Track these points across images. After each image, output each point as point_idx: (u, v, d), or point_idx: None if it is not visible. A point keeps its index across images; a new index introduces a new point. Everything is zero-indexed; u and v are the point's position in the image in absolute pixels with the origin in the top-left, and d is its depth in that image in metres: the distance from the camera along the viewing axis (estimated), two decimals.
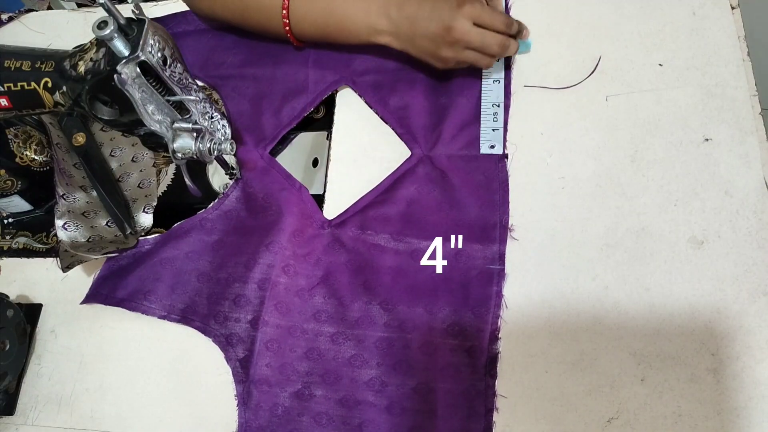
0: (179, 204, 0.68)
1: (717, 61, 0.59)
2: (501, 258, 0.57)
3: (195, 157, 0.54)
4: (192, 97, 0.53)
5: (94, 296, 0.64)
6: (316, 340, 0.58)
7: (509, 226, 0.58)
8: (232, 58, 0.73)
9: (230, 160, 0.66)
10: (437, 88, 0.65)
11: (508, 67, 0.64)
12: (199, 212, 0.66)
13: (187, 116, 0.55)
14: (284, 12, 0.61)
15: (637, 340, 0.52)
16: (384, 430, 0.54)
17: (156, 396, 0.60)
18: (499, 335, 0.54)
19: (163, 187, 0.70)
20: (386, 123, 0.65)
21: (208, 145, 0.55)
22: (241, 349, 0.59)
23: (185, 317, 0.61)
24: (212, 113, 0.57)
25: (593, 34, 0.63)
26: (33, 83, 0.51)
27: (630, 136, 0.58)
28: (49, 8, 0.87)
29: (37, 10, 0.85)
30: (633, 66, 0.61)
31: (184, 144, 0.54)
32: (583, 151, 0.59)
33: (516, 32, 0.57)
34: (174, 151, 0.54)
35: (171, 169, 0.71)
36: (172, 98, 0.52)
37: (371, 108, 0.66)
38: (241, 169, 0.66)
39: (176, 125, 0.53)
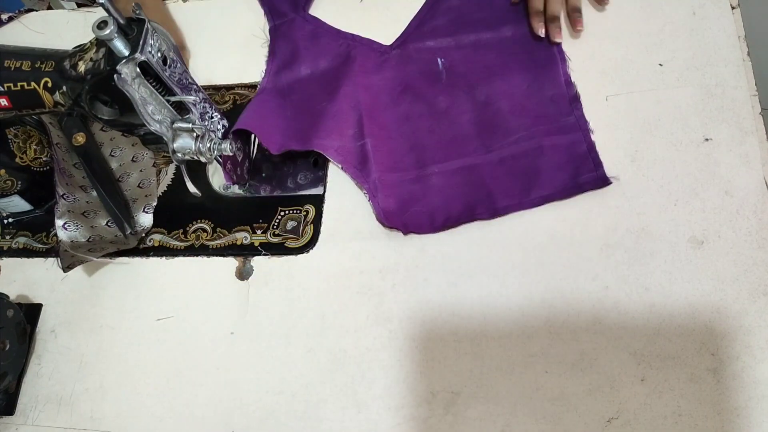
0: (179, 204, 0.68)
1: (717, 61, 0.59)
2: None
3: (195, 157, 0.54)
4: (192, 97, 0.53)
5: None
6: (415, 135, 0.63)
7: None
8: None
9: None
10: None
11: None
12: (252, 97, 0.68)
13: (187, 116, 0.55)
14: None
15: (637, 340, 0.52)
16: (502, 174, 0.59)
17: (156, 396, 0.60)
18: (572, 79, 0.61)
19: (163, 187, 0.70)
20: None
21: (208, 145, 0.55)
22: (354, 157, 0.62)
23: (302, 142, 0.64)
24: (212, 113, 0.57)
25: (593, 34, 0.63)
26: (33, 83, 0.51)
27: (630, 136, 0.58)
28: (49, 8, 0.87)
29: (37, 10, 0.85)
30: (633, 66, 0.61)
31: (184, 144, 0.54)
32: None
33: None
34: (174, 151, 0.54)
35: (171, 169, 0.71)
36: (172, 98, 0.52)
37: None
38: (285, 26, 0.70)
39: (176, 125, 0.53)
